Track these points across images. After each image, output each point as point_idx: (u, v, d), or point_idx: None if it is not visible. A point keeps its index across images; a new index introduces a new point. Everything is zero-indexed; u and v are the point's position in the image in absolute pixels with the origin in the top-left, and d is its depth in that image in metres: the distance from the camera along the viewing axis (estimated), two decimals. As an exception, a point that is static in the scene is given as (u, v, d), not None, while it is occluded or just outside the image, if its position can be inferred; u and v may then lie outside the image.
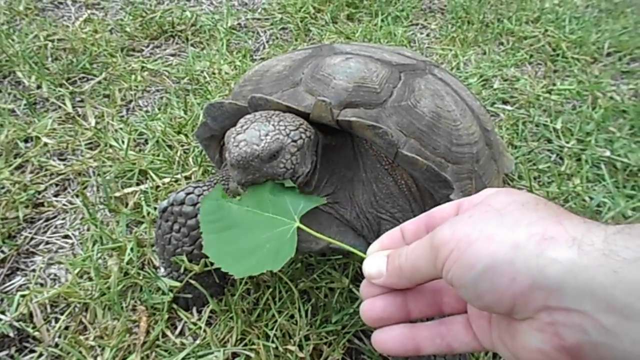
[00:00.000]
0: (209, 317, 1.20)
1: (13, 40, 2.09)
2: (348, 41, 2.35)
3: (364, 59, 1.15)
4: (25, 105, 1.80)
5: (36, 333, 1.15)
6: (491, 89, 2.14)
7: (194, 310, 1.22)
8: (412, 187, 1.09)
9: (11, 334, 1.15)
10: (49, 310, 1.21)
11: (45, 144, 1.65)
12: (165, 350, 1.13)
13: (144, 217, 1.42)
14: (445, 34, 2.56)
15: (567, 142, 1.87)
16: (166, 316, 1.18)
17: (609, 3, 3.04)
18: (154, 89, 1.99)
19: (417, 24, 2.67)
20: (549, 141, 1.90)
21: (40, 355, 1.12)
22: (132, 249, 1.31)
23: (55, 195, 1.52)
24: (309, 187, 1.02)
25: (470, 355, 1.14)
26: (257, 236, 0.80)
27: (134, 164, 1.58)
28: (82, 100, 1.87)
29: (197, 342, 1.14)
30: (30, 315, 1.19)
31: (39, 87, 1.89)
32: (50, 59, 2.04)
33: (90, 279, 1.25)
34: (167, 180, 1.54)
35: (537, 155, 1.82)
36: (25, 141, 1.67)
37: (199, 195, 1.09)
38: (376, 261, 0.63)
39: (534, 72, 2.33)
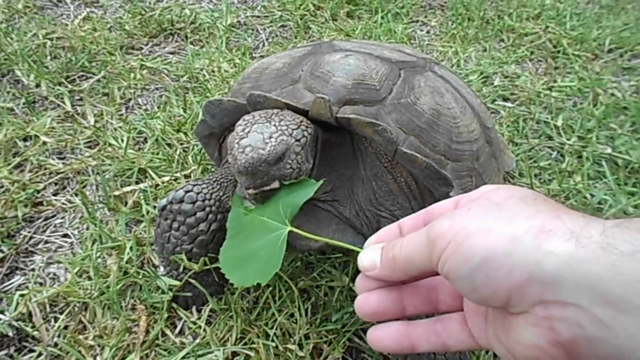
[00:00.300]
0: (209, 316, 1.20)
1: (12, 38, 2.08)
2: (348, 38, 2.34)
3: (364, 56, 1.14)
4: (24, 103, 1.79)
5: (35, 332, 1.15)
6: (492, 86, 2.13)
7: (194, 309, 1.22)
8: (411, 184, 1.09)
9: (10, 334, 1.15)
10: (48, 309, 1.21)
11: (44, 143, 1.64)
12: (165, 350, 1.13)
13: (143, 215, 1.41)
14: (446, 31, 2.55)
15: (568, 139, 1.87)
16: (166, 315, 1.18)
17: (610, -1, 3.03)
18: (153, 87, 1.98)
19: (417, 21, 2.66)
20: (550, 138, 1.89)
21: (40, 354, 1.12)
22: (131, 248, 1.30)
23: (55, 194, 1.51)
24: None
25: (470, 354, 1.13)
26: (255, 242, 0.80)
27: (133, 162, 1.57)
28: (81, 99, 1.86)
29: (197, 341, 1.14)
30: (30, 314, 1.19)
31: (37, 85, 1.88)
32: (49, 58, 2.03)
33: (90, 278, 1.25)
34: (166, 178, 1.54)
35: (537, 153, 1.81)
36: (24, 140, 1.67)
37: (198, 193, 1.09)
38: (370, 253, 0.63)
39: (535, 69, 2.32)
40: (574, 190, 1.63)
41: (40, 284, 1.28)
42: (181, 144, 1.67)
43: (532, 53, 2.42)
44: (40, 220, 1.43)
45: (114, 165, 1.57)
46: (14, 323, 1.16)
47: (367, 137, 1.01)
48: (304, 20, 2.48)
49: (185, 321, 1.19)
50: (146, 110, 1.86)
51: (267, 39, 2.38)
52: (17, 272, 1.31)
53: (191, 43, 2.27)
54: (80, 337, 1.13)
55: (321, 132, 1.02)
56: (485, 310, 0.58)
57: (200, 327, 1.17)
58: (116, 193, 1.48)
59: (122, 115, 1.83)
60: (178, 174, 1.55)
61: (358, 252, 0.68)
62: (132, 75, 1.99)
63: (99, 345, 1.12)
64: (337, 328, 1.17)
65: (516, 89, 2.13)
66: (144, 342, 1.13)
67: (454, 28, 2.57)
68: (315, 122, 1.01)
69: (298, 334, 1.15)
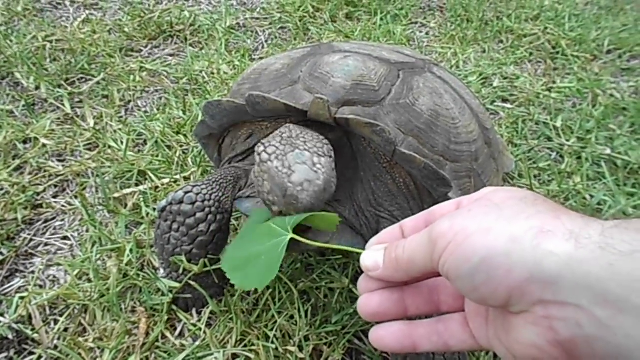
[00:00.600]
0: (209, 318, 1.20)
1: (11, 41, 2.09)
2: (347, 40, 2.35)
3: (363, 57, 1.15)
4: (23, 106, 1.79)
5: (35, 335, 1.15)
6: (491, 87, 2.13)
7: (194, 311, 1.22)
8: (410, 185, 1.09)
9: (10, 336, 1.15)
10: (48, 312, 1.20)
11: (44, 145, 1.64)
12: (165, 352, 1.12)
13: (143, 218, 1.41)
14: (445, 33, 2.55)
15: (568, 140, 1.87)
16: (166, 317, 1.18)
17: (608, 0, 3.03)
18: (152, 90, 1.98)
19: (416, 23, 2.67)
20: (549, 139, 1.89)
21: (40, 357, 1.11)
22: (131, 250, 1.30)
23: (54, 197, 1.51)
24: None
25: (470, 355, 1.13)
26: (258, 245, 0.80)
27: (133, 164, 1.57)
28: (80, 101, 1.87)
29: (197, 343, 1.14)
30: (29, 317, 1.18)
31: (37, 88, 1.89)
32: (48, 60, 2.04)
33: (90, 281, 1.25)
34: (166, 180, 1.54)
35: (537, 154, 1.81)
36: (24, 142, 1.67)
37: (197, 194, 1.09)
38: (373, 254, 0.63)
39: (534, 70, 2.33)
40: (574, 191, 1.63)
41: (40, 286, 1.28)
42: (181, 146, 1.68)
43: (531, 54, 2.42)
44: (40, 222, 1.43)
45: (113, 168, 1.57)
46: (14, 325, 1.16)
47: (366, 138, 1.01)
48: (303, 22, 2.48)
49: (185, 323, 1.19)
50: (146, 112, 1.86)
51: (266, 41, 2.38)
52: (17, 274, 1.31)
53: (190, 45, 2.27)
54: (80, 339, 1.13)
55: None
56: (486, 311, 0.58)
57: (200, 329, 1.17)
58: (116, 195, 1.48)
59: (121, 117, 1.83)
60: (178, 176, 1.55)
61: (359, 253, 0.68)
62: (131, 77, 2.00)
63: (98, 348, 1.12)
64: (337, 330, 1.17)
65: (515, 90, 2.13)
66: (144, 344, 1.13)
67: (453, 29, 2.57)
68: (314, 124, 1.01)
69: (298, 336, 1.15)
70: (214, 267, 1.14)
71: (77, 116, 1.79)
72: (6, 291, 1.26)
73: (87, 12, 2.43)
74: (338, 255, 1.33)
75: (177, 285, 1.17)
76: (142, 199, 1.46)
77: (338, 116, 0.99)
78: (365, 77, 1.07)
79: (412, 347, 0.63)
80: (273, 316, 1.19)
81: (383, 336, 0.63)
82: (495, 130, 1.40)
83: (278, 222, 0.83)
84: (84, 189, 1.53)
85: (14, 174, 1.55)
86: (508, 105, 2.05)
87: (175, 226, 1.10)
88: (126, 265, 1.28)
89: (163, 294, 1.20)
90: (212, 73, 2.06)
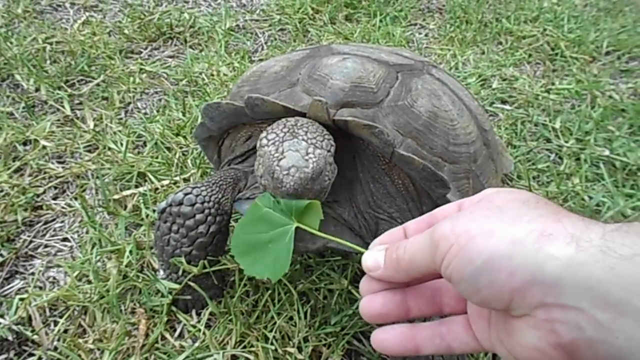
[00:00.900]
0: (208, 319, 1.20)
1: (11, 43, 2.09)
2: (346, 42, 2.35)
3: (361, 59, 1.15)
4: (23, 108, 1.80)
5: (35, 336, 1.15)
6: (490, 89, 2.14)
7: (193, 312, 1.22)
8: (409, 186, 1.09)
9: (10, 338, 1.15)
10: (47, 313, 1.21)
11: (44, 147, 1.65)
12: (165, 353, 1.13)
13: (142, 219, 1.42)
14: (444, 34, 2.56)
15: (566, 142, 1.87)
16: (165, 319, 1.18)
17: (607, 2, 3.04)
18: (152, 91, 1.99)
19: (415, 24, 2.67)
20: (548, 140, 1.89)
21: (40, 358, 1.12)
22: (131, 252, 1.30)
23: (54, 198, 1.51)
24: None
25: (469, 356, 1.13)
26: (262, 232, 0.79)
27: (133, 166, 1.58)
28: (80, 103, 1.87)
29: (197, 344, 1.14)
30: (29, 318, 1.19)
31: (37, 89, 1.89)
32: (48, 62, 2.04)
33: (89, 282, 1.25)
34: (165, 182, 1.54)
35: (536, 155, 1.81)
36: (24, 144, 1.67)
37: (197, 196, 1.09)
38: (374, 254, 0.64)
39: (533, 71, 2.33)
40: (572, 193, 1.64)
41: (40, 287, 1.28)
42: (180, 148, 1.68)
43: (530, 56, 2.42)
44: (40, 224, 1.44)
45: (113, 169, 1.57)
46: (14, 327, 1.17)
47: (365, 139, 1.02)
48: (303, 24, 2.49)
49: (184, 324, 1.20)
50: (145, 114, 1.86)
51: (265, 43, 2.38)
52: (17, 276, 1.31)
53: (190, 47, 2.27)
54: (80, 340, 1.14)
55: None
56: (488, 313, 0.58)
57: (199, 330, 1.17)
58: (116, 197, 1.48)
59: (121, 119, 1.83)
60: (177, 178, 1.56)
61: (359, 250, 0.68)
62: (131, 79, 2.00)
63: (98, 349, 1.12)
64: (336, 331, 1.17)
65: (514, 92, 2.14)
66: (143, 345, 1.13)
67: (452, 31, 2.58)
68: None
69: (297, 337, 1.15)
70: (214, 268, 1.14)
71: (77, 118, 1.80)
72: (6, 292, 1.26)
73: (87, 14, 2.43)
74: (337, 257, 1.33)
75: (176, 286, 1.17)
76: (141, 201, 1.46)
77: (337, 118, 0.99)
78: (364, 79, 1.08)
79: (414, 350, 0.63)
80: (272, 317, 1.19)
81: (385, 339, 0.63)
82: (494, 131, 1.41)
83: (278, 209, 0.83)
84: (84, 190, 1.53)
85: (14, 175, 1.55)
86: (507, 107, 2.05)
87: (174, 228, 1.10)
88: (126, 266, 1.28)
89: (163, 295, 1.20)
90: (212, 75, 2.06)
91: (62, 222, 1.45)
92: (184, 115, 1.83)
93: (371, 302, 0.64)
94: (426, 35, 2.58)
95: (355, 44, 1.57)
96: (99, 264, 1.30)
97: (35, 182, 1.54)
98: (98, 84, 1.96)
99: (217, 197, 1.11)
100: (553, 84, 2.22)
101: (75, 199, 1.50)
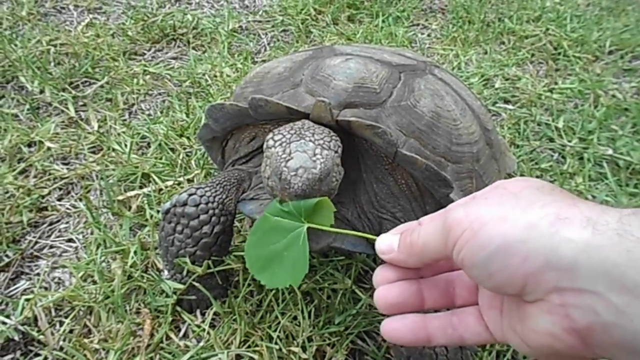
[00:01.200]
0: (213, 319, 1.21)
1: (16, 45, 2.10)
2: (349, 42, 2.36)
3: (364, 59, 1.15)
4: (28, 110, 1.81)
5: (41, 337, 1.16)
6: (493, 89, 2.14)
7: (198, 312, 1.23)
8: (412, 186, 1.09)
9: (16, 338, 1.16)
10: (53, 313, 1.21)
11: (49, 149, 1.65)
12: (169, 353, 1.13)
13: (147, 220, 1.42)
14: (446, 34, 2.56)
15: (569, 141, 1.87)
16: (170, 319, 1.19)
17: (610, 1, 3.03)
18: (156, 93, 2.00)
19: (418, 25, 2.67)
20: (551, 140, 1.89)
21: (45, 358, 1.12)
22: (135, 252, 1.31)
23: (59, 199, 1.52)
24: None
25: (473, 355, 1.13)
26: (274, 242, 0.79)
27: (137, 167, 1.59)
28: (84, 105, 1.88)
29: (201, 344, 1.14)
30: (35, 319, 1.19)
31: (41, 91, 1.90)
32: (52, 64, 2.05)
33: (94, 283, 1.26)
34: (169, 183, 1.55)
35: (539, 154, 1.81)
36: (29, 146, 1.68)
37: (201, 196, 1.10)
38: (389, 237, 0.64)
39: (536, 71, 2.33)
40: (576, 192, 1.64)
41: (46, 288, 1.29)
42: (184, 149, 1.69)
43: (532, 55, 2.42)
44: (45, 225, 1.45)
45: (117, 170, 1.58)
46: (20, 327, 1.17)
47: (368, 140, 1.02)
48: (306, 25, 2.49)
49: (189, 324, 1.20)
50: (149, 115, 1.87)
51: (268, 44, 2.39)
52: (23, 276, 1.32)
53: (193, 48, 2.28)
54: (86, 340, 1.14)
55: None
56: (500, 303, 0.58)
57: (204, 330, 1.18)
58: (120, 198, 1.49)
59: (125, 120, 1.84)
60: (181, 179, 1.56)
61: (371, 238, 0.68)
62: (135, 80, 2.01)
63: (103, 349, 1.13)
64: (340, 330, 1.18)
65: (517, 91, 2.14)
66: (148, 345, 1.14)
67: (454, 31, 2.58)
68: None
69: (301, 337, 1.16)
70: (218, 268, 1.15)
71: (81, 119, 1.81)
72: (12, 293, 1.27)
73: (91, 16, 2.44)
74: (341, 257, 1.33)
75: (181, 286, 1.18)
76: (146, 202, 1.47)
77: (340, 119, 1.00)
78: (367, 80, 1.08)
79: (426, 340, 0.62)
80: (276, 317, 1.19)
81: (397, 328, 0.63)
82: (496, 131, 1.41)
83: (287, 215, 0.82)
84: (89, 191, 1.54)
85: (19, 177, 1.56)
86: (510, 107, 2.05)
87: (179, 228, 1.11)
88: (130, 267, 1.29)
89: (167, 296, 1.21)
90: (215, 76, 2.07)
91: (67, 223, 1.46)
92: (187, 116, 1.83)
93: (387, 291, 0.64)
94: (429, 35, 2.59)
95: (358, 45, 1.58)
96: (103, 264, 1.31)
97: (40, 184, 1.55)
98: (102, 86, 1.97)
99: (221, 197, 1.11)
100: (556, 83, 2.22)
101: (80, 200, 1.51)
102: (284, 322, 1.18)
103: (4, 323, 1.17)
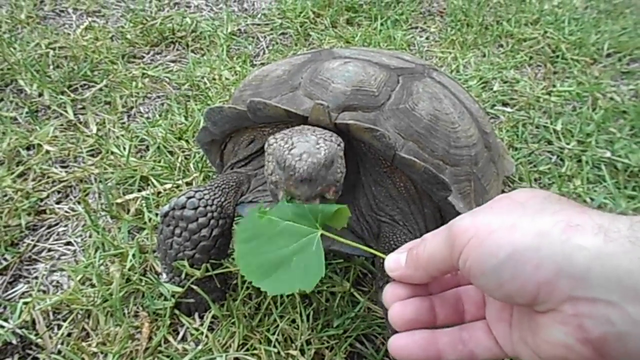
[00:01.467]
0: (211, 322, 1.20)
1: (15, 48, 2.10)
2: (347, 45, 2.36)
3: (363, 62, 1.16)
4: (27, 113, 1.81)
5: (39, 340, 1.15)
6: (491, 91, 2.14)
7: (196, 315, 1.22)
8: (410, 189, 1.10)
9: (14, 341, 1.15)
10: (51, 317, 1.21)
11: (47, 152, 1.65)
12: (168, 356, 1.13)
13: (145, 223, 1.42)
14: (445, 37, 2.56)
15: (568, 144, 1.87)
16: (168, 322, 1.18)
17: (608, 4, 3.04)
18: (154, 96, 2.00)
19: (416, 28, 2.68)
20: (550, 143, 1.90)
21: (43, 362, 1.12)
22: (134, 255, 1.31)
23: (57, 203, 1.52)
24: None
25: None
26: (282, 247, 0.77)
27: (135, 170, 1.59)
28: (83, 108, 1.88)
29: (199, 347, 1.14)
30: (33, 322, 1.19)
31: (40, 95, 1.90)
32: (51, 67, 2.05)
33: (93, 286, 1.26)
34: (168, 186, 1.55)
35: (537, 157, 1.82)
36: (27, 149, 1.68)
37: (199, 199, 1.10)
38: (396, 255, 0.64)
39: (534, 73, 2.33)
40: (574, 194, 1.64)
41: (44, 291, 1.28)
42: (183, 152, 1.69)
43: (531, 58, 2.43)
44: (43, 228, 1.44)
45: (116, 173, 1.58)
46: (18, 331, 1.17)
47: (366, 143, 1.02)
48: (304, 28, 2.50)
49: (187, 328, 1.20)
50: (148, 118, 1.87)
51: (267, 47, 2.39)
52: (21, 280, 1.32)
53: (192, 51, 2.28)
54: (84, 344, 1.14)
55: None
56: (509, 316, 0.58)
57: (202, 333, 1.17)
58: (118, 201, 1.49)
59: (124, 123, 1.84)
60: (180, 182, 1.56)
61: (379, 255, 0.68)
62: (133, 83, 2.01)
63: (102, 352, 1.13)
64: (339, 333, 1.18)
65: (515, 94, 2.14)
66: (146, 348, 1.14)
67: (453, 34, 2.58)
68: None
69: (300, 340, 1.16)
70: (216, 271, 1.15)
71: (80, 122, 1.81)
72: (10, 296, 1.27)
73: (90, 19, 2.45)
74: (339, 259, 1.33)
75: (179, 289, 1.18)
76: (144, 205, 1.47)
77: (338, 122, 1.00)
78: (365, 83, 1.08)
79: (436, 356, 0.61)
80: (275, 320, 1.19)
81: (406, 345, 0.62)
82: (495, 134, 1.41)
83: (299, 220, 0.80)
84: (87, 194, 1.54)
85: (17, 180, 1.56)
86: (508, 109, 2.06)
87: (177, 231, 1.11)
88: (129, 270, 1.29)
89: (165, 299, 1.21)
90: (214, 79, 2.07)
91: (66, 226, 1.45)
92: (186, 119, 1.83)
93: (403, 308, 0.63)
94: (427, 38, 2.59)
95: (357, 48, 1.58)
96: (102, 267, 1.31)
97: (38, 187, 1.55)
98: (101, 89, 1.97)
99: (220, 200, 1.11)
100: (554, 86, 2.22)
101: (79, 203, 1.51)
102: (283, 325, 1.18)
103: (2, 326, 1.17)
